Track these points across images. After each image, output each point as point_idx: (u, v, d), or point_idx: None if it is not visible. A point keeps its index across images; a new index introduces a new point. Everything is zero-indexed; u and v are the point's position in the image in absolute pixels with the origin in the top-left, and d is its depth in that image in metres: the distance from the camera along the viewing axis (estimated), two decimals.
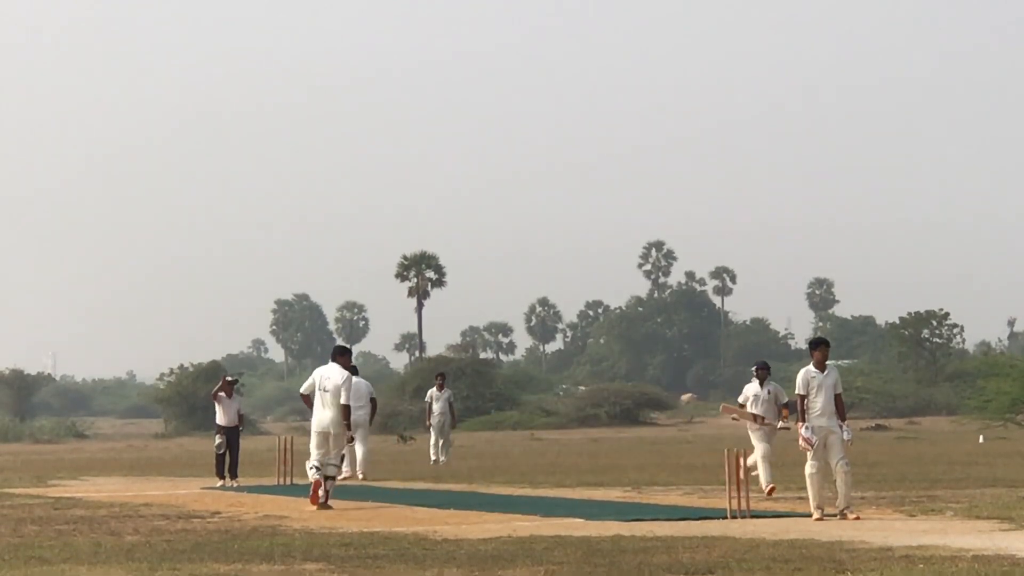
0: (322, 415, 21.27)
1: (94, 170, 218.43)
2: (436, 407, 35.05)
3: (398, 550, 14.30)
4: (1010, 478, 24.60)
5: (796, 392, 18.09)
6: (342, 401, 21.21)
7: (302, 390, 21.86)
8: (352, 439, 21.71)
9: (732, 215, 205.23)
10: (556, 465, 32.62)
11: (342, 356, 21.80)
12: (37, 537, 16.34)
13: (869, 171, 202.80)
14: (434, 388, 35.60)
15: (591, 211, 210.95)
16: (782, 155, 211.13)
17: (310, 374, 22.22)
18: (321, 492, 21.06)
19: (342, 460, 21.84)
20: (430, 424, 35.22)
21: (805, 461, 18.04)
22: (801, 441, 17.85)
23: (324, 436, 21.32)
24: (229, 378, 28.05)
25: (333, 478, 21.27)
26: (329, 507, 20.73)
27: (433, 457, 34.42)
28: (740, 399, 22.30)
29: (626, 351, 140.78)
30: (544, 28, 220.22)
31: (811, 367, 18.00)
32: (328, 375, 21.49)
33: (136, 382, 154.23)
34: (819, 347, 18.13)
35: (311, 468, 21.21)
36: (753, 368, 22.49)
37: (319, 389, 21.42)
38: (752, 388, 22.06)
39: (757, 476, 21.12)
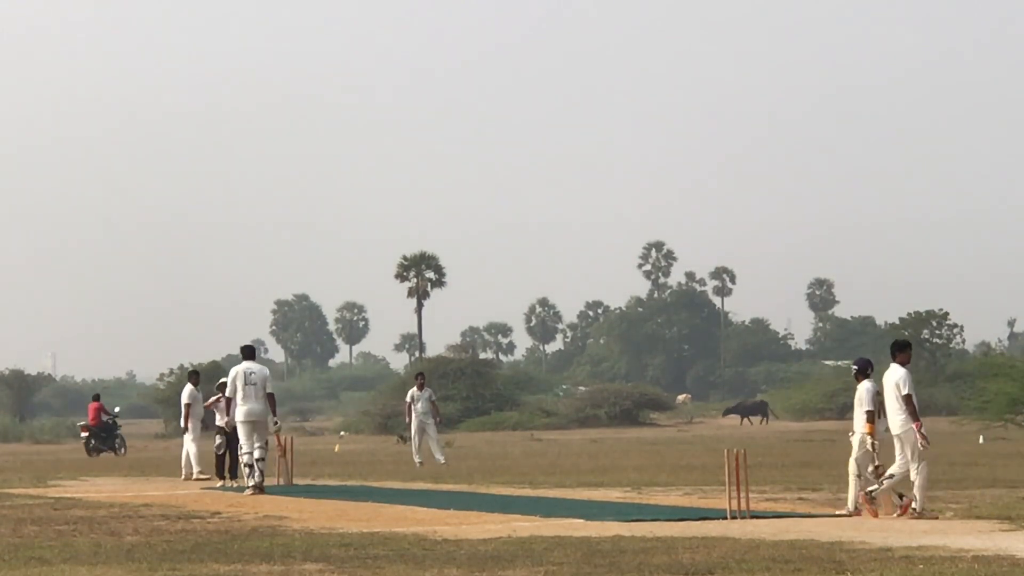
0: (253, 405, 23.93)
1: (94, 170, 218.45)
2: (418, 407, 34.73)
3: (398, 550, 14.30)
4: (1010, 478, 24.59)
5: (904, 392, 17.71)
6: (268, 390, 24.13)
7: (227, 393, 24.47)
8: (279, 426, 24.97)
9: (732, 215, 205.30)
10: (556, 465, 32.59)
11: (254, 354, 24.94)
12: (37, 537, 16.33)
13: (869, 171, 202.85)
14: (414, 388, 35.32)
15: (591, 211, 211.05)
16: (782, 155, 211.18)
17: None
18: (257, 478, 23.69)
19: (266, 444, 24.25)
20: (408, 421, 35.22)
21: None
22: (922, 441, 17.69)
23: (253, 425, 23.94)
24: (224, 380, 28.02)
25: (263, 459, 23.89)
26: (263, 491, 23.45)
27: (417, 460, 33.95)
28: None
29: (626, 351, 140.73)
30: (543, 28, 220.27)
31: (902, 367, 17.86)
32: (252, 369, 24.30)
33: (136, 382, 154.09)
34: (909, 348, 18.22)
35: (248, 461, 23.81)
36: None
37: (246, 384, 24.04)
38: None
39: None
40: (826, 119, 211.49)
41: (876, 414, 18.10)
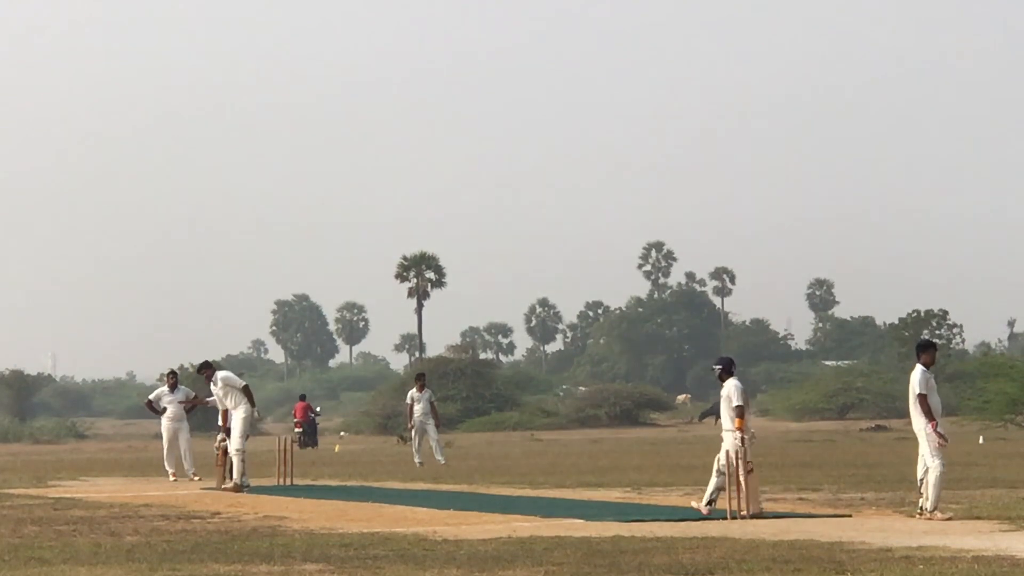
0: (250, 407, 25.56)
1: (94, 170, 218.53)
2: (417, 408, 34.60)
3: (398, 550, 14.30)
4: (1010, 479, 24.61)
5: (918, 392, 17.72)
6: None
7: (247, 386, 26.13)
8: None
9: (732, 215, 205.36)
10: (556, 466, 32.60)
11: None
12: (37, 537, 16.32)
13: (869, 171, 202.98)
14: (414, 389, 35.18)
15: (591, 211, 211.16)
16: (781, 155, 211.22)
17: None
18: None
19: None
20: (411, 426, 35.05)
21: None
22: (938, 441, 17.72)
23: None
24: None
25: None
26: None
27: (417, 460, 33.89)
28: None
29: (626, 352, 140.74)
30: (543, 28, 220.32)
31: (925, 368, 17.81)
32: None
33: (136, 382, 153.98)
34: (932, 348, 18.14)
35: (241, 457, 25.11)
36: None
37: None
38: None
39: None
40: (826, 119, 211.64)
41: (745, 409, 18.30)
